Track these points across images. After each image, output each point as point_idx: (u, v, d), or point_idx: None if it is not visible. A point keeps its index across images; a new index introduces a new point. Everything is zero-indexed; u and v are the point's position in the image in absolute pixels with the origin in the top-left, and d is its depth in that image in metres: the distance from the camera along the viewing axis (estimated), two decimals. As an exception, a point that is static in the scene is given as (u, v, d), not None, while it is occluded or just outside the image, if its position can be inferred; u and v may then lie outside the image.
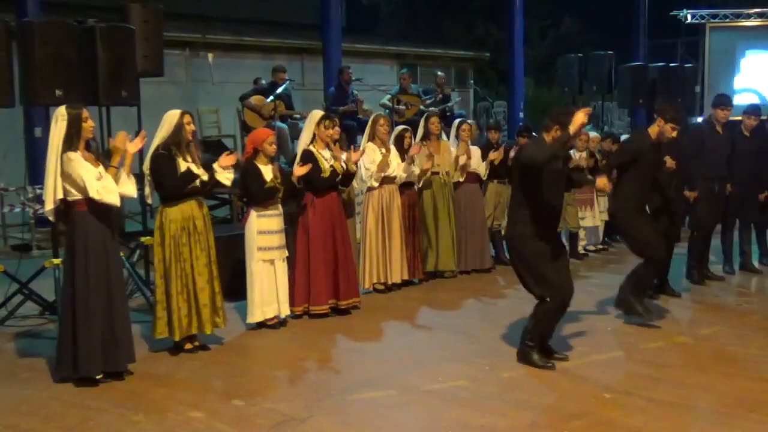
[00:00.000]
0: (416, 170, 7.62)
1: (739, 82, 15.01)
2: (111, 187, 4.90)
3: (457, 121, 8.54)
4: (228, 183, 5.80)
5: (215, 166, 5.69)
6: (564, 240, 9.21)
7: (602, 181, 5.74)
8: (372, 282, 7.42)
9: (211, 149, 10.12)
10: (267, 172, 6.17)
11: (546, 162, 5.02)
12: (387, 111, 11.52)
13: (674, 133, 6.06)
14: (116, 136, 5.11)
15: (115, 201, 4.95)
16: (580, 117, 4.86)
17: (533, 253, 5.21)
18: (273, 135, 6.31)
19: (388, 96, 11.78)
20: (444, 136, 8.31)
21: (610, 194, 6.53)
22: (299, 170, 6.34)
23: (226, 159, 5.75)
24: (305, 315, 6.59)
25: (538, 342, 5.37)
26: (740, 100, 12.69)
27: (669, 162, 6.57)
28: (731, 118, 7.76)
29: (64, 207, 5.00)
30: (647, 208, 6.41)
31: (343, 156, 6.66)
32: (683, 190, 7.22)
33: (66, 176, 4.88)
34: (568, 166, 5.67)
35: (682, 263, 7.82)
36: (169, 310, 5.50)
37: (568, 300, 5.34)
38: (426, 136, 8.02)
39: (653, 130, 6.15)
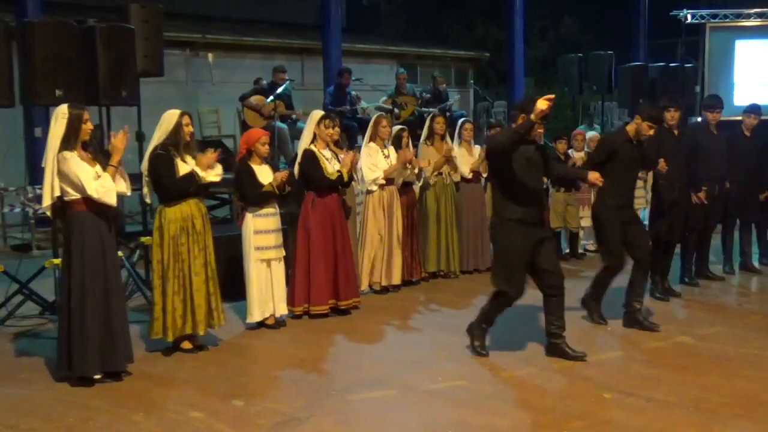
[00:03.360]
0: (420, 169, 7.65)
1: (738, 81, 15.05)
2: (109, 187, 4.91)
3: (460, 120, 8.55)
4: (218, 179, 5.71)
5: (196, 168, 5.55)
6: (564, 240, 9.29)
7: (594, 175, 5.79)
8: (374, 283, 7.39)
9: (212, 149, 10.10)
10: (261, 172, 6.17)
11: (508, 143, 5.19)
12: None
13: (651, 131, 6.15)
14: (116, 135, 5.11)
15: (113, 200, 4.95)
16: (540, 104, 4.97)
17: (509, 247, 5.39)
18: (266, 135, 6.30)
19: (384, 98, 11.77)
20: (447, 138, 8.29)
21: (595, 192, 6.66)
22: (279, 176, 6.24)
23: (207, 159, 5.63)
24: (305, 315, 6.58)
25: (486, 324, 5.62)
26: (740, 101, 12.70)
27: (661, 165, 6.58)
28: (732, 118, 7.76)
29: (62, 206, 5.01)
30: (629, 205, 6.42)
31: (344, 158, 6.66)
32: (685, 191, 7.21)
33: (62, 176, 4.88)
34: (550, 164, 5.77)
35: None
36: (165, 310, 5.50)
37: (516, 298, 5.53)
38: (430, 136, 8.02)
39: (631, 128, 6.27)
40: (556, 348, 5.52)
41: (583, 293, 6.49)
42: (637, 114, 6.29)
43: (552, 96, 5.06)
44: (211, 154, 5.68)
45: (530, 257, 5.38)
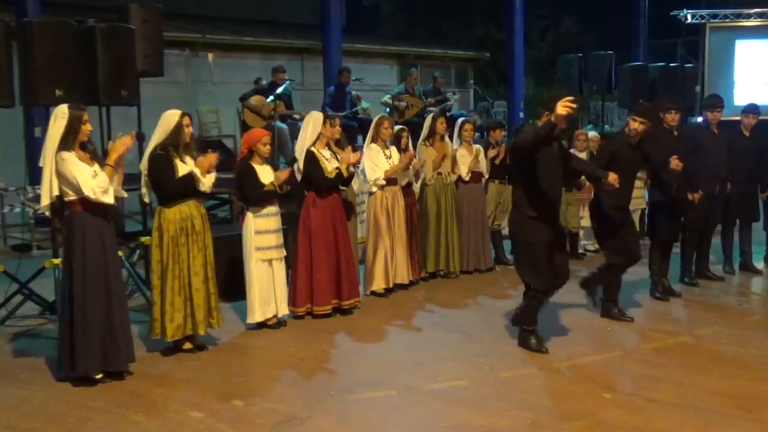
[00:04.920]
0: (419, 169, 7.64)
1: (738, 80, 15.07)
2: (106, 187, 4.90)
3: (459, 120, 8.53)
4: (210, 185, 5.61)
5: (195, 170, 5.52)
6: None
7: (613, 176, 5.83)
8: (381, 285, 7.34)
9: (212, 150, 10.09)
10: (262, 172, 6.17)
11: (531, 144, 5.23)
12: (387, 110, 11.48)
13: (635, 125, 6.26)
14: (117, 139, 5.09)
15: (110, 200, 4.95)
16: (559, 109, 4.95)
17: (531, 240, 5.49)
18: (268, 135, 6.31)
19: (389, 95, 11.76)
20: (446, 138, 8.28)
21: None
22: (283, 175, 6.26)
23: (207, 161, 5.55)
24: (308, 315, 6.58)
25: (533, 325, 5.68)
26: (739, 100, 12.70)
27: (674, 163, 6.60)
28: (731, 118, 7.76)
29: (61, 206, 5.01)
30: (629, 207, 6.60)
31: (344, 156, 6.67)
32: (684, 191, 7.22)
33: (60, 176, 4.88)
34: (571, 160, 5.89)
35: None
36: (163, 311, 5.50)
37: (552, 291, 5.69)
38: (430, 136, 8.01)
39: (628, 129, 6.39)
40: (525, 339, 5.77)
41: (601, 301, 6.68)
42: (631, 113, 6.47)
43: (570, 99, 4.99)
44: (210, 157, 5.59)
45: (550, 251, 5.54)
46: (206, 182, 5.60)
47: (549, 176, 5.44)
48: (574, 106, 5.00)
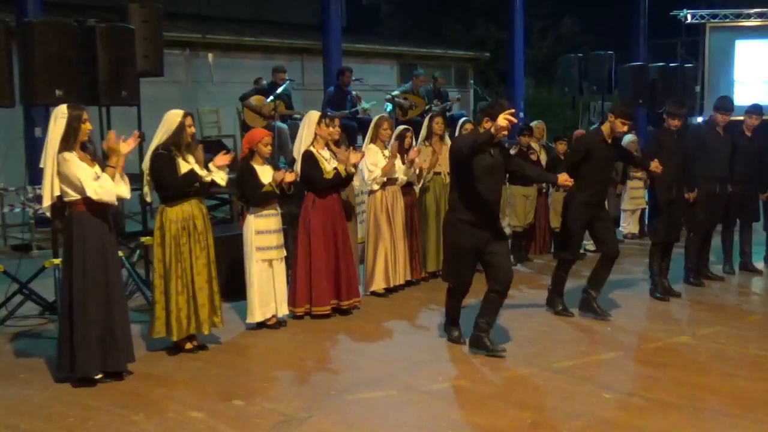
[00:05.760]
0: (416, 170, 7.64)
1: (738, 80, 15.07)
2: (108, 187, 4.91)
3: (461, 120, 8.53)
4: (223, 183, 5.79)
5: (210, 165, 5.70)
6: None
7: (563, 177, 5.96)
8: (381, 285, 7.34)
9: (212, 149, 10.10)
10: (263, 172, 6.17)
11: (467, 152, 5.34)
12: (390, 106, 11.45)
13: (625, 128, 6.38)
14: (107, 138, 5.12)
15: (113, 200, 4.97)
16: (500, 121, 5.04)
17: (456, 244, 5.61)
18: (269, 136, 6.31)
19: (397, 92, 11.75)
20: (446, 138, 8.28)
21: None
22: (289, 177, 6.27)
23: (222, 158, 5.77)
24: (307, 316, 6.58)
25: (453, 322, 5.95)
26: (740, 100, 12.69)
27: (654, 165, 6.65)
28: (733, 118, 7.77)
29: (62, 207, 5.02)
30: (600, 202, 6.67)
31: (342, 156, 6.66)
32: (683, 190, 7.23)
33: (62, 177, 4.89)
34: (514, 165, 5.96)
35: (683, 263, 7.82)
36: (168, 310, 5.50)
37: (464, 292, 5.89)
38: (429, 136, 8.01)
39: (605, 127, 6.47)
40: (479, 340, 5.66)
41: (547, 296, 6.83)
42: (610, 113, 6.48)
43: (512, 112, 5.14)
44: (224, 156, 5.75)
45: (479, 256, 5.62)
46: (219, 176, 5.69)
47: (483, 184, 5.47)
48: (515, 120, 5.13)
